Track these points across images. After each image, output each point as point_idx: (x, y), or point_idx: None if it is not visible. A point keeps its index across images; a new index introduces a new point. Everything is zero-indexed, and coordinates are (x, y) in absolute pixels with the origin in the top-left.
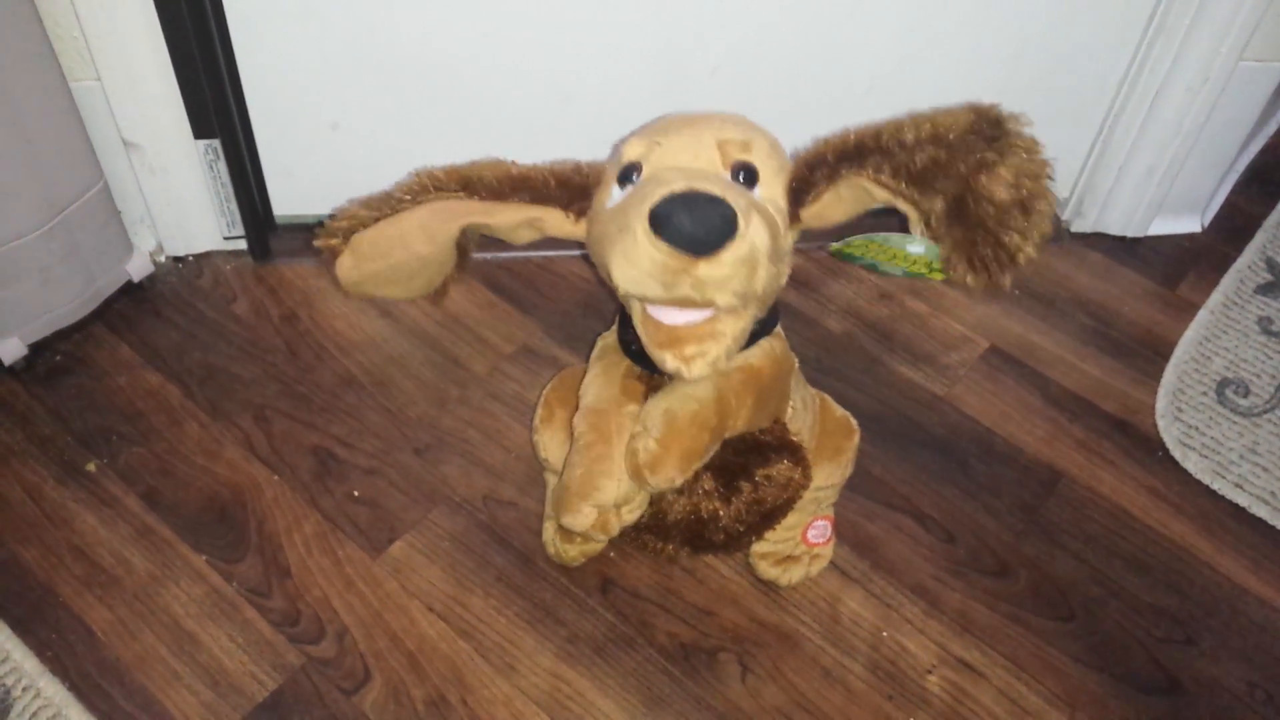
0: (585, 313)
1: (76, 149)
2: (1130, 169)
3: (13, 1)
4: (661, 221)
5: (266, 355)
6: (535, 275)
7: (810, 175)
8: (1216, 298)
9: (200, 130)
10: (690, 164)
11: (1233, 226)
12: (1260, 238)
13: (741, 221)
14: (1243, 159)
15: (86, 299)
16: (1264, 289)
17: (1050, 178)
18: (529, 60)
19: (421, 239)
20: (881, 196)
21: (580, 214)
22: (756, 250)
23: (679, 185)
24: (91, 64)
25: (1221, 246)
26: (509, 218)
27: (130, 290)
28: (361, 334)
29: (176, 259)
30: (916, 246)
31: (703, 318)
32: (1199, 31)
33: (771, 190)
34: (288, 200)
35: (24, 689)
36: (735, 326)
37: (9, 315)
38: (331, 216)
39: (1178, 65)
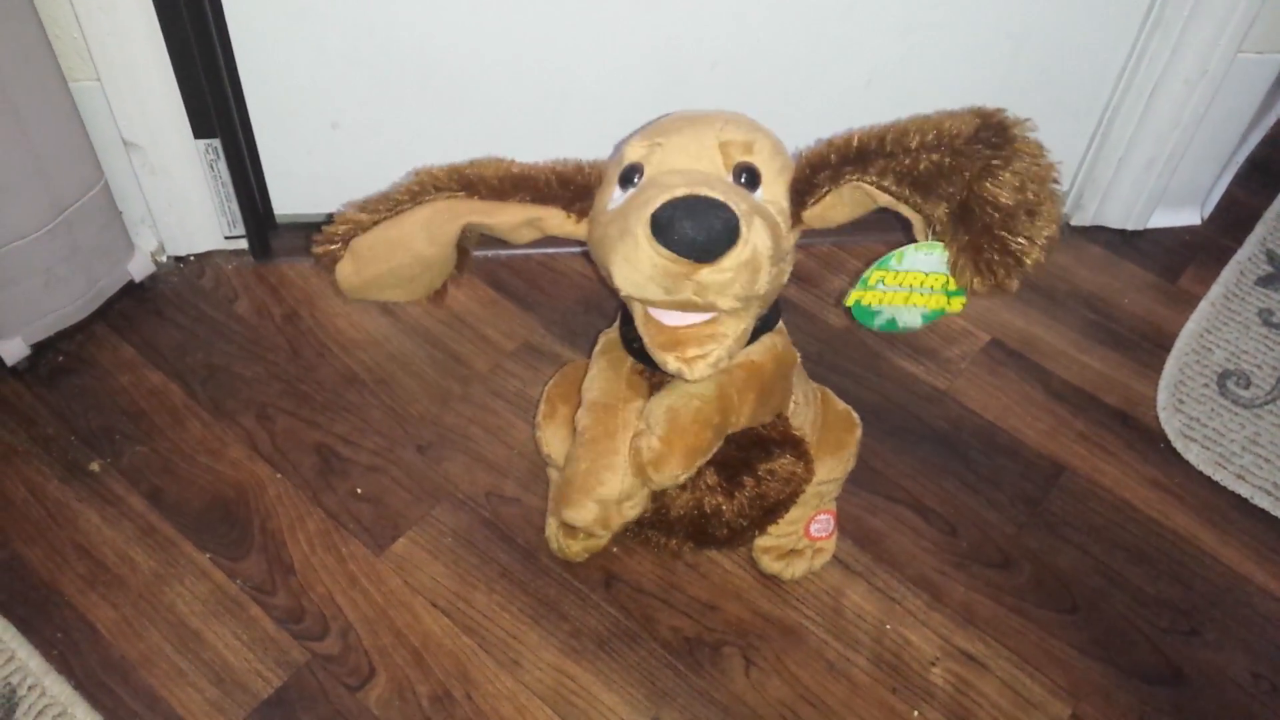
0: (587, 310)
1: (77, 149)
2: (1129, 162)
3: (12, 1)
4: (663, 227)
5: (268, 354)
6: (537, 272)
7: (813, 177)
8: (1217, 290)
9: (200, 130)
10: (692, 166)
11: (1233, 219)
12: (1260, 230)
13: (743, 226)
14: (1242, 151)
15: (88, 299)
16: (1264, 281)
17: (1056, 181)
18: (528, 57)
19: (423, 240)
20: (884, 201)
21: (582, 214)
22: (759, 254)
23: (680, 190)
24: (91, 64)
25: (1221, 239)
26: (510, 217)
27: (132, 290)
28: (363, 332)
29: (178, 259)
30: (929, 257)
31: (704, 319)
32: (1197, 24)
33: (773, 192)
34: (288, 199)
35: (29, 687)
36: (737, 327)
37: (11, 315)
38: (329, 221)
39: (1176, 58)
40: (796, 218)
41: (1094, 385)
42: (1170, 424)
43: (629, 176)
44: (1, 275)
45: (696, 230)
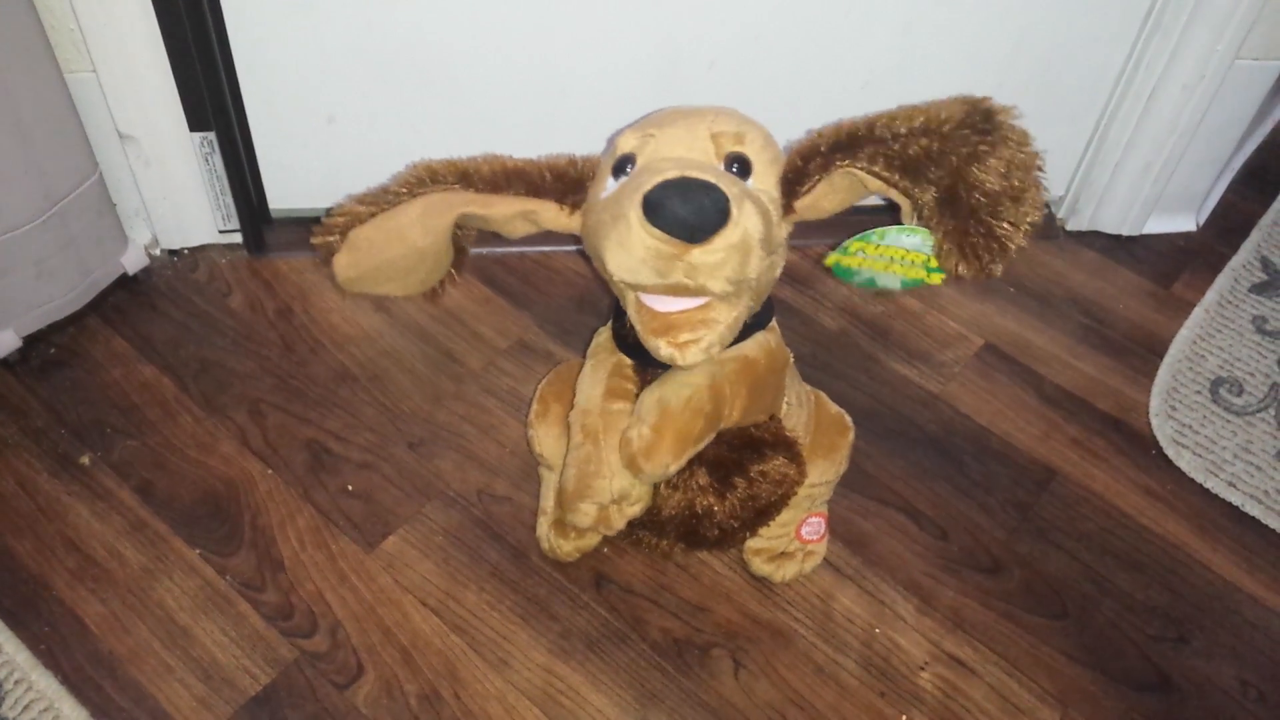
0: (580, 308)
1: (72, 141)
2: (1126, 167)
3: None
4: (654, 208)
5: (261, 349)
6: (531, 270)
7: (804, 166)
8: (1211, 296)
9: (196, 123)
10: (684, 155)
11: (1228, 225)
12: (1255, 236)
13: (734, 208)
14: (1238, 157)
15: (81, 291)
16: (1259, 288)
17: (1041, 169)
18: (526, 53)
19: (418, 231)
20: (874, 186)
21: (575, 207)
22: (749, 236)
23: (672, 173)
24: (87, 56)
25: (1217, 245)
26: (504, 209)
27: (125, 283)
28: (356, 328)
29: (171, 252)
30: (912, 238)
31: (696, 304)
32: (1195, 29)
33: (765, 181)
34: (283, 194)
35: (16, 682)
36: (729, 314)
37: (3, 307)
38: (328, 213)
39: (1174, 63)
40: (789, 208)
41: (1087, 390)
42: (1162, 430)
43: (622, 166)
44: None
45: (687, 210)
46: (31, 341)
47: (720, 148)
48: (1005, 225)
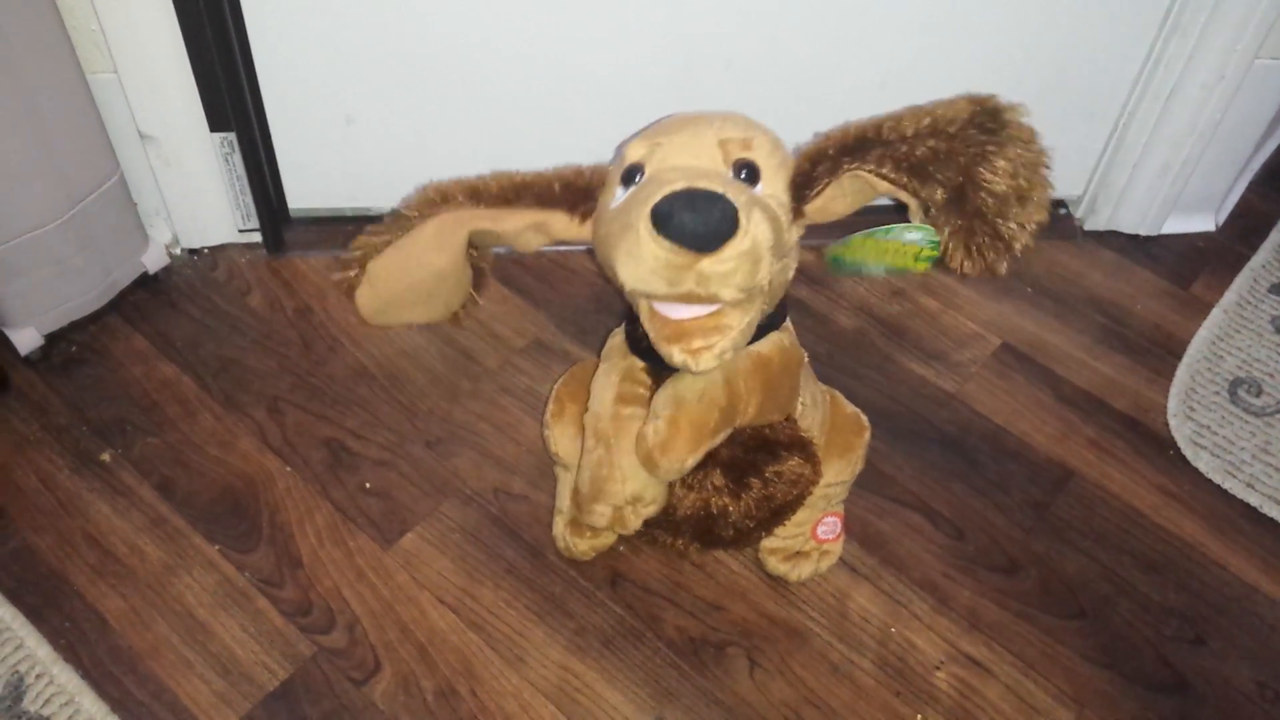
0: (597, 307)
1: (93, 141)
2: (1144, 167)
3: None
4: (663, 220)
5: (280, 347)
6: (547, 270)
7: (812, 170)
8: (1230, 297)
9: (216, 123)
10: (692, 163)
11: (1247, 225)
12: (1275, 236)
13: (743, 217)
14: (1257, 158)
15: (102, 290)
16: (1278, 288)
17: (1047, 167)
18: (543, 54)
19: (433, 250)
20: (883, 188)
21: (585, 216)
22: (759, 244)
23: (680, 184)
24: (109, 56)
25: (1235, 245)
26: (515, 222)
27: (145, 282)
28: (374, 327)
29: (191, 251)
30: (914, 234)
31: (708, 311)
32: (1214, 29)
33: (773, 186)
34: (302, 193)
35: (37, 676)
36: (742, 319)
37: (25, 306)
38: (346, 249)
39: (1193, 63)
40: (798, 211)
41: (1104, 391)
42: (1180, 431)
43: (630, 176)
44: (16, 265)
45: (695, 221)
46: (53, 340)
47: (728, 154)
48: (1011, 225)
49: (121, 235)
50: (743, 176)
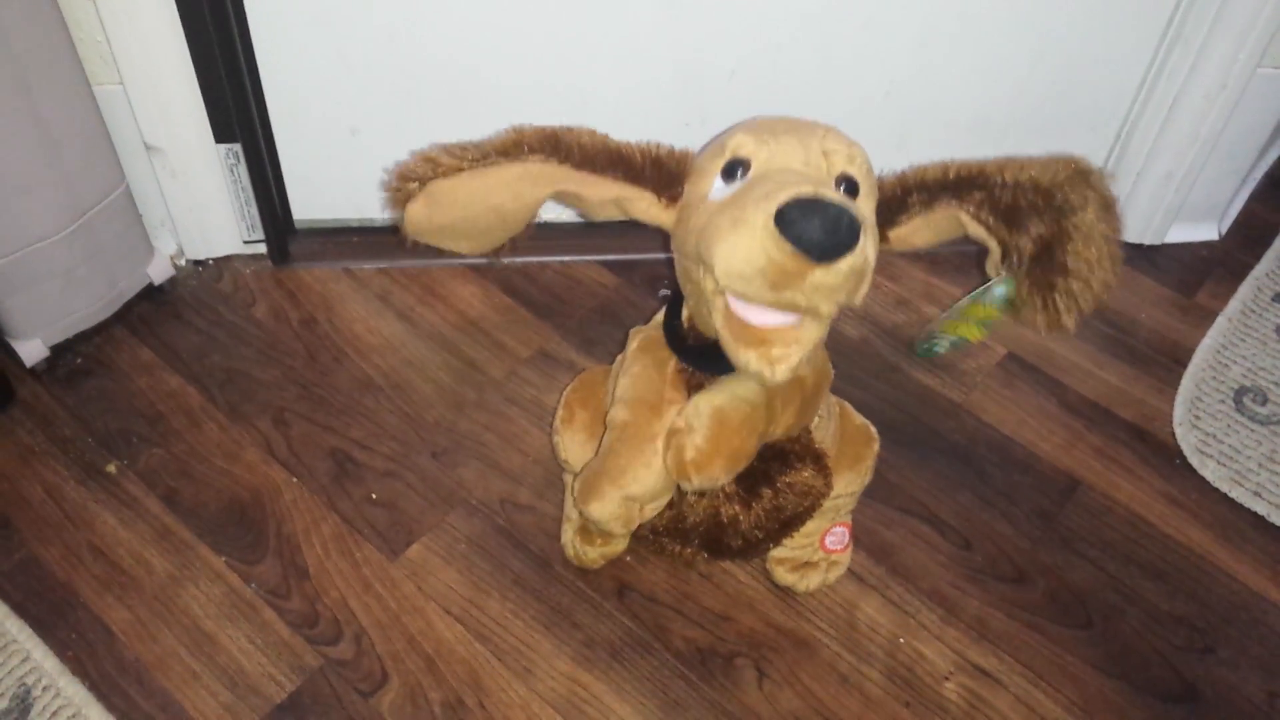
0: (603, 318)
1: (99, 152)
2: (1148, 176)
3: (37, 5)
4: (790, 222)
5: (285, 358)
6: (552, 280)
7: (905, 197)
8: (1234, 305)
9: (221, 135)
10: (801, 169)
11: (1250, 234)
12: (1278, 245)
13: (863, 233)
14: (1260, 166)
15: (108, 301)
16: None
17: (1119, 232)
18: (547, 64)
19: (508, 196)
20: (973, 230)
21: (672, 200)
22: (868, 263)
23: (806, 189)
24: (114, 68)
25: (1239, 254)
26: (601, 193)
27: (151, 293)
28: (379, 337)
29: (197, 262)
30: (1000, 288)
31: (792, 321)
32: (1217, 39)
33: (866, 206)
34: (307, 205)
35: (44, 688)
36: (816, 334)
37: (31, 317)
38: (413, 157)
39: (1195, 72)
40: (883, 237)
41: (1110, 400)
42: (1186, 440)
43: (733, 169)
44: (22, 277)
45: (824, 230)
46: (59, 351)
47: (833, 166)
48: (1087, 285)
49: (127, 246)
50: (842, 190)
